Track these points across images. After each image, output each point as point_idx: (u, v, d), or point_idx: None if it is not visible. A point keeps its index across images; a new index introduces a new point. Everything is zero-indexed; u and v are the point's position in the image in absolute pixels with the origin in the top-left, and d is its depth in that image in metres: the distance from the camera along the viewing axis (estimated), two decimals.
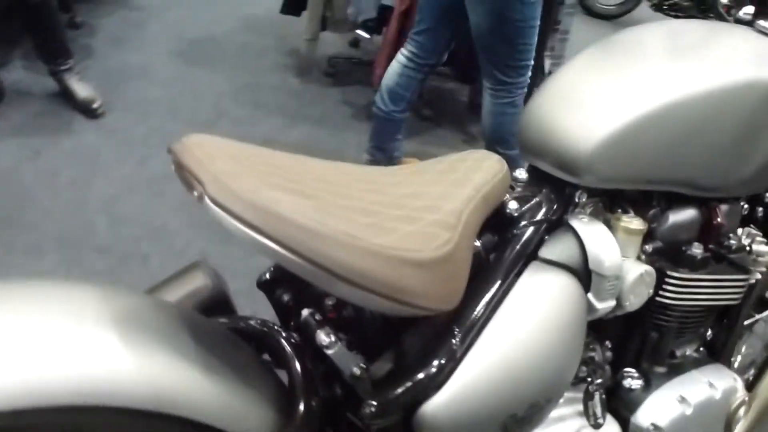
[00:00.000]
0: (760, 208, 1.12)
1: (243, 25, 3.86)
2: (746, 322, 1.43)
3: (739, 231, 1.07)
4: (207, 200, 0.58)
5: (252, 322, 0.81)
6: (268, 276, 0.87)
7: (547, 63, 3.00)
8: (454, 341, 0.74)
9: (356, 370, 0.73)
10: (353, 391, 0.74)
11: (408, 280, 0.62)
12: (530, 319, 0.79)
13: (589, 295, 0.86)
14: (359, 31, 3.09)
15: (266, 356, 0.81)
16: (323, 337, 0.73)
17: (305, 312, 0.78)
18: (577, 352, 0.85)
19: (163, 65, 3.07)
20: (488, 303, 0.78)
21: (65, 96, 2.56)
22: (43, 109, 2.55)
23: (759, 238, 1.07)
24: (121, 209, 2.05)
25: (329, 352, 0.73)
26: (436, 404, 0.72)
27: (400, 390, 0.72)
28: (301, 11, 3.16)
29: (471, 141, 3.01)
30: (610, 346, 1.01)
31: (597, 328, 0.97)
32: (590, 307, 0.86)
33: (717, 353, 1.16)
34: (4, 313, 0.57)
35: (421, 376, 0.71)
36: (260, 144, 0.71)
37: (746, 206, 1.08)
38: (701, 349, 1.13)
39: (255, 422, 0.68)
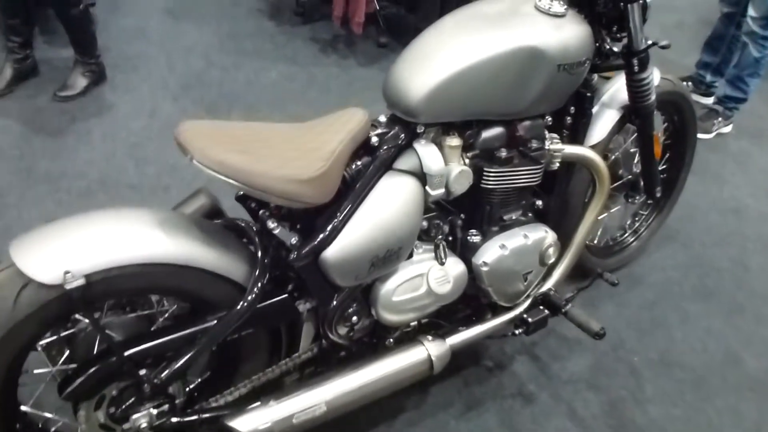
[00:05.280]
0: (564, 120, 1.71)
1: None
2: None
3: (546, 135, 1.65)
4: (195, 162, 1.20)
5: (236, 221, 1.45)
6: (241, 193, 1.50)
7: None
8: (339, 215, 1.37)
9: (293, 240, 1.37)
10: (288, 251, 1.37)
11: (299, 190, 1.26)
12: (386, 202, 1.40)
13: (427, 188, 1.47)
14: None
15: (244, 240, 1.45)
16: (270, 224, 1.37)
17: (261, 211, 1.42)
18: (417, 220, 1.47)
19: (156, 25, 3.57)
20: (361, 193, 1.39)
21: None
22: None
23: (555, 140, 1.65)
24: (142, 153, 2.66)
25: (275, 232, 1.37)
26: (331, 250, 1.36)
27: (313, 244, 1.36)
28: None
29: None
30: (462, 216, 1.63)
31: (454, 205, 1.58)
32: (428, 195, 1.48)
33: (544, 217, 1.79)
34: (119, 221, 1.21)
35: (323, 235, 1.36)
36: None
37: (550, 120, 1.66)
38: (529, 214, 1.74)
39: (237, 270, 1.33)
